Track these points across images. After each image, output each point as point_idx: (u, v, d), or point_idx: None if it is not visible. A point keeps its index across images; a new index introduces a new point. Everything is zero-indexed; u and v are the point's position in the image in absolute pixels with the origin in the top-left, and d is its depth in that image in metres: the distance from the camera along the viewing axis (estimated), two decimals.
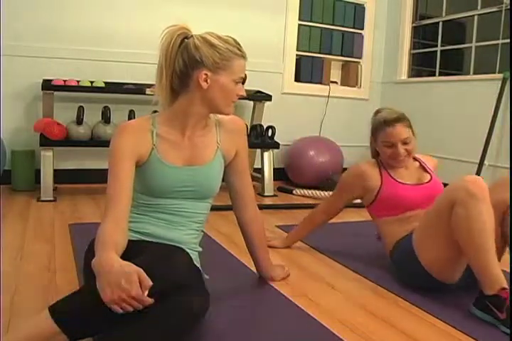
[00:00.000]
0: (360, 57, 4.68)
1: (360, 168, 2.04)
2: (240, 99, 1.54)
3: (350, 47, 4.62)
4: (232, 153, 1.63)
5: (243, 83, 1.51)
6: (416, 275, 1.79)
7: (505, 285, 1.53)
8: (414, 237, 1.77)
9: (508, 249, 1.77)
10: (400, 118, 1.94)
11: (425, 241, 1.72)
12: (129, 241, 1.37)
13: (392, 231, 1.94)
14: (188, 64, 1.41)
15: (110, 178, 1.41)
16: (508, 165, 3.35)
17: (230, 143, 1.60)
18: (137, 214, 1.51)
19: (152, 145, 1.47)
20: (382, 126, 1.95)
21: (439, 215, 1.66)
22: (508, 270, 1.79)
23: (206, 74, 1.41)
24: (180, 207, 1.52)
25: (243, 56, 1.46)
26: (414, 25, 4.55)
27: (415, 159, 2.08)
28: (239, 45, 1.46)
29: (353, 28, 4.61)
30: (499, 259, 1.66)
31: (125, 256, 1.25)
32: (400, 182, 1.98)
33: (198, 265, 1.53)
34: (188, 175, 1.51)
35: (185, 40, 1.43)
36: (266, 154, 3.78)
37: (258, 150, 3.93)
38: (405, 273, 1.86)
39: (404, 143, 1.93)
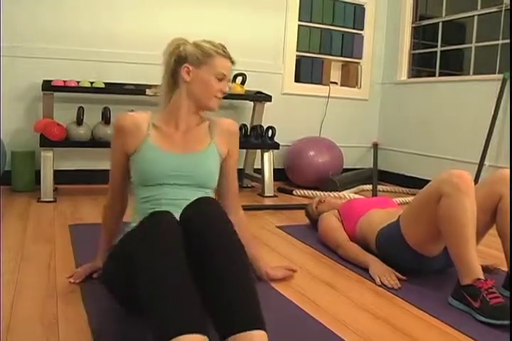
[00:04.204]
0: (360, 58, 4.68)
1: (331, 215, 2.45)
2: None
3: (350, 47, 4.62)
4: (225, 151, 1.71)
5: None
6: (401, 253, 1.94)
7: (481, 276, 1.63)
8: (401, 220, 1.94)
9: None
10: None
11: (412, 223, 1.89)
12: None
13: (370, 226, 2.15)
14: (176, 62, 1.60)
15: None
16: (508, 166, 3.34)
17: (223, 140, 1.70)
18: (139, 212, 1.58)
19: (146, 134, 1.60)
20: None
21: (426, 202, 1.81)
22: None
23: (188, 68, 1.58)
24: (179, 196, 1.56)
25: (226, 57, 1.61)
26: (414, 25, 4.55)
27: None
28: (224, 47, 1.62)
29: (353, 28, 4.61)
30: (477, 242, 1.82)
31: None
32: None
33: None
34: (181, 161, 1.59)
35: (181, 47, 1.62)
36: (266, 155, 3.78)
37: (258, 151, 3.93)
38: (391, 253, 1.99)
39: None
